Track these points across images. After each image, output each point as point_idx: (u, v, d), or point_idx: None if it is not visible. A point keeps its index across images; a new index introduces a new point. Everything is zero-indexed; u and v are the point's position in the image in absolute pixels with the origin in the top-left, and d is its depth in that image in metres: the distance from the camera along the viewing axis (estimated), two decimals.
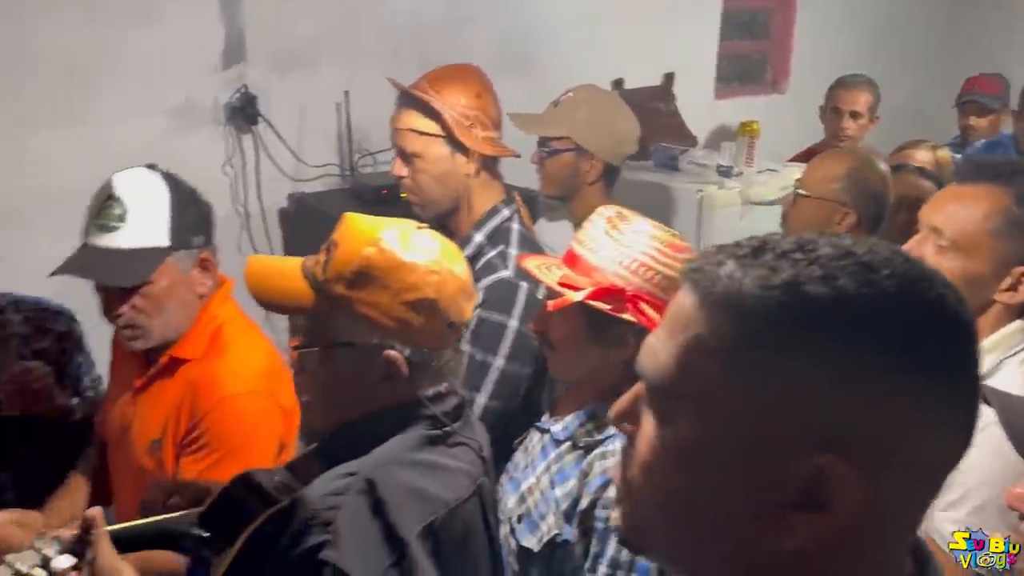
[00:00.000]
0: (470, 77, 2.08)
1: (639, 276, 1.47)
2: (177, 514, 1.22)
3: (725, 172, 3.01)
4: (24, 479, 1.92)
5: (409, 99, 2.02)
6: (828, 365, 0.60)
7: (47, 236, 2.23)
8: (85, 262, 1.61)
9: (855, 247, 0.63)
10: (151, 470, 1.64)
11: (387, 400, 1.18)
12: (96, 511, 1.06)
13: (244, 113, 2.69)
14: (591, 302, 1.44)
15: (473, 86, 2.06)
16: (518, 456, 1.62)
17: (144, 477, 1.65)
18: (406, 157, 2.03)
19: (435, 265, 1.20)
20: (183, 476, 1.59)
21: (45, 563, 0.97)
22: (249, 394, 1.62)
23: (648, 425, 0.67)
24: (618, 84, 3.52)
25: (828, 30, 4.41)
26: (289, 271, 1.21)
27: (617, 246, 1.50)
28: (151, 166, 1.69)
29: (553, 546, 1.46)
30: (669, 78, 3.73)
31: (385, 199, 2.63)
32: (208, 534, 1.20)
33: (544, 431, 1.58)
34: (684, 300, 0.66)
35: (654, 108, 3.54)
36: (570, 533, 1.44)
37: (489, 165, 2.10)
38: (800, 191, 2.23)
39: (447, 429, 1.19)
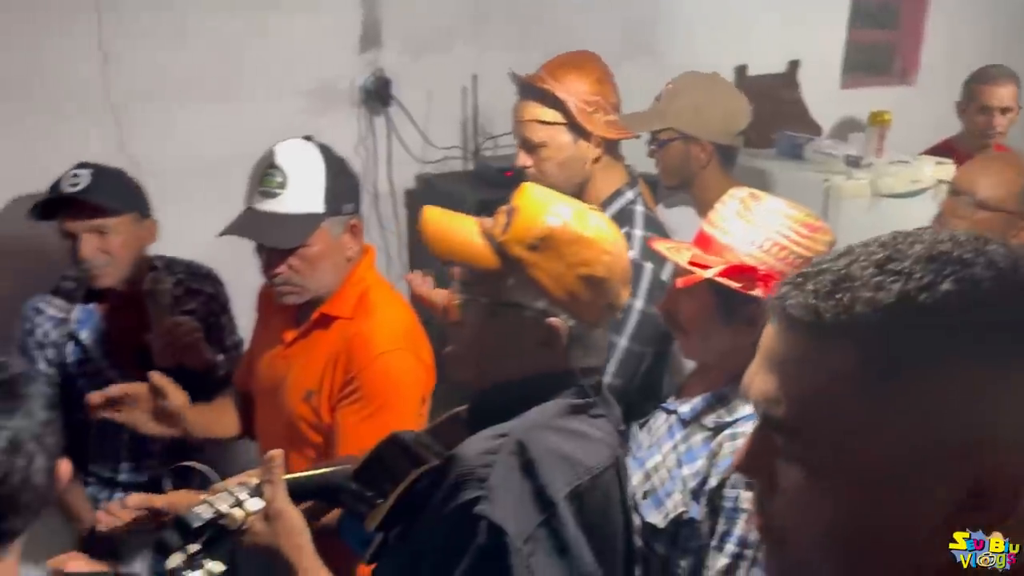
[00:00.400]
0: (589, 63, 2.12)
1: (772, 255, 1.48)
2: (334, 468, 1.30)
3: (853, 162, 2.94)
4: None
5: (531, 90, 2.08)
6: (964, 367, 0.58)
7: (195, 205, 2.39)
8: (249, 224, 1.75)
9: (942, 243, 0.61)
10: (306, 417, 1.77)
11: (539, 366, 1.22)
12: (277, 453, 1.14)
13: (378, 95, 2.78)
14: (721, 279, 1.45)
15: (593, 72, 2.10)
16: (641, 436, 1.65)
17: (298, 424, 1.78)
18: (530, 147, 2.08)
19: (610, 246, 1.25)
20: (340, 426, 1.71)
21: (239, 504, 1.06)
22: (398, 351, 1.74)
23: (791, 471, 0.65)
24: (742, 71, 3.49)
25: (962, 20, 4.24)
26: (467, 226, 1.27)
27: (749, 226, 1.51)
28: (307, 138, 1.80)
29: (679, 523, 1.49)
30: (794, 65, 3.66)
31: (509, 181, 2.67)
32: (362, 489, 1.28)
33: (670, 412, 1.61)
34: (790, 336, 0.63)
35: (777, 96, 3.49)
36: (697, 511, 1.47)
37: (611, 148, 2.13)
38: (977, 199, 2.09)
39: (591, 400, 1.23)
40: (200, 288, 2.27)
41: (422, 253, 2.54)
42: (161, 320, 2.05)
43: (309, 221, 1.73)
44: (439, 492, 1.15)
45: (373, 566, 1.30)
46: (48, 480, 1.06)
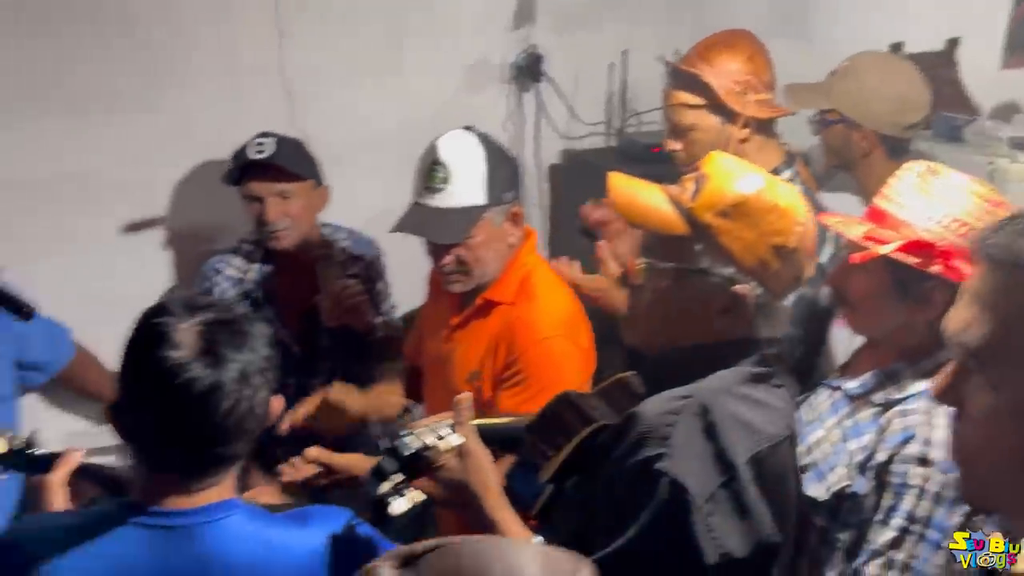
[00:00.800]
0: (740, 42, 2.10)
1: (951, 232, 1.45)
2: (514, 420, 1.36)
3: (1019, 144, 2.80)
4: (338, 378, 2.18)
5: (679, 74, 2.08)
6: None
7: (358, 176, 2.51)
8: (416, 220, 1.83)
9: None
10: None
11: (721, 333, 1.24)
12: (465, 396, 1.21)
13: (529, 71, 2.84)
14: (899, 255, 1.43)
15: (744, 50, 2.08)
16: (802, 411, 1.65)
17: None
18: (679, 130, 2.09)
19: (802, 217, 1.26)
20: (500, 407, 1.78)
21: (441, 439, 1.13)
22: (558, 338, 1.80)
23: (980, 396, 0.73)
24: (896, 48, 3.36)
25: None
26: (653, 192, 1.30)
27: (928, 200, 1.48)
28: (468, 128, 1.87)
29: (841, 497, 1.49)
30: (952, 44, 3.50)
31: (656, 158, 2.69)
32: (537, 442, 1.33)
33: (834, 388, 1.60)
34: (990, 274, 0.73)
35: (934, 75, 3.34)
36: (861, 485, 1.46)
37: (765, 128, 2.11)
38: None
39: (772, 370, 1.25)
40: (362, 255, 2.39)
41: (564, 226, 2.58)
42: (331, 284, 2.17)
43: (472, 214, 1.79)
44: (618, 448, 1.19)
45: (540, 516, 1.36)
46: (265, 412, 1.17)
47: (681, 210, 1.24)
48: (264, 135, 2.20)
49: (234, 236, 2.37)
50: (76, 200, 2.31)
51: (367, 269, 2.38)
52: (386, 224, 2.48)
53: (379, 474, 1.13)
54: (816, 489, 1.51)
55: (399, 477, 1.13)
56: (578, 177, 2.91)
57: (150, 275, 2.48)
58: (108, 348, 2.34)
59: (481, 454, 1.16)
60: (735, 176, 1.25)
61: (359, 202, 2.46)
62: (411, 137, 2.52)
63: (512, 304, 1.84)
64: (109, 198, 2.37)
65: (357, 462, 1.75)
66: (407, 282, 2.43)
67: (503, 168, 1.85)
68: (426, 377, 2.05)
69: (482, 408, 1.84)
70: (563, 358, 1.80)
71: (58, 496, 1.37)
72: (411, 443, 1.12)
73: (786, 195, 1.26)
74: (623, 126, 3.04)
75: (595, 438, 1.29)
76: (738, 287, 1.22)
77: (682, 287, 1.24)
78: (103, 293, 2.37)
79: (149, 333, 1.11)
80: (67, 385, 2.34)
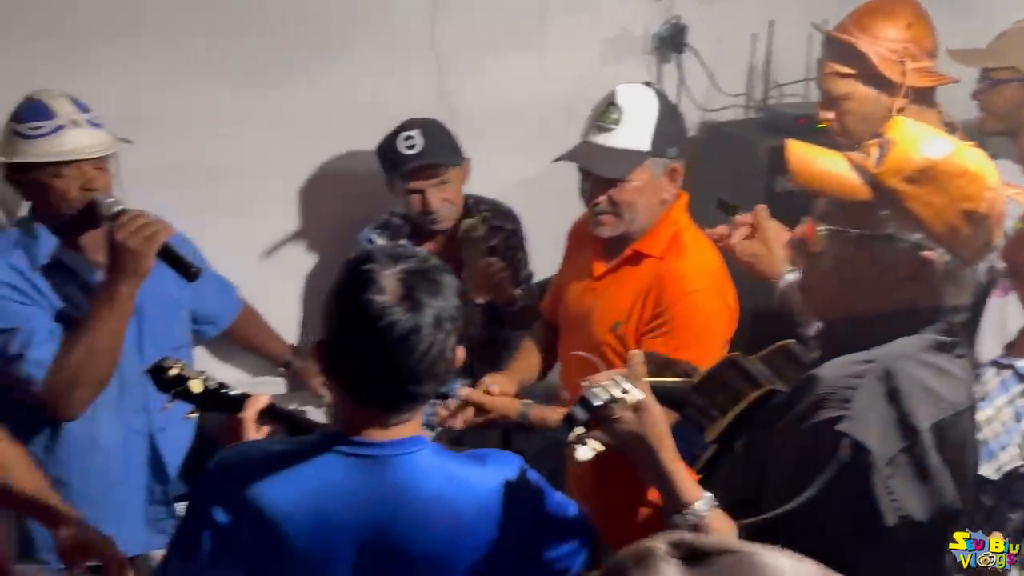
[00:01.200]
0: (900, 8, 2.04)
1: None
2: (680, 380, 1.39)
3: None
4: (482, 350, 2.26)
5: (834, 43, 2.04)
6: None
7: (499, 148, 2.57)
8: (582, 153, 1.91)
9: None
10: (611, 346, 1.90)
11: (905, 300, 1.23)
12: (637, 353, 1.24)
13: (671, 42, 2.83)
14: None
15: (903, 17, 2.02)
16: None
17: (603, 352, 1.89)
18: (832, 100, 2.05)
19: (992, 182, 1.24)
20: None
21: (625, 392, 1.17)
22: (707, 291, 1.84)
23: None
24: None
25: None
26: (834, 158, 1.29)
27: None
28: (648, 84, 1.95)
29: (1013, 476, 1.47)
30: None
31: (801, 129, 2.64)
32: (703, 402, 1.37)
33: (1004, 366, 1.57)
34: None
35: None
36: None
37: (924, 97, 2.05)
38: None
39: (957, 339, 1.24)
40: (502, 225, 2.46)
41: (702, 197, 2.55)
42: (475, 261, 2.25)
43: (634, 157, 1.85)
44: (793, 410, 1.21)
45: (702, 473, 1.39)
46: (453, 357, 1.24)
47: (864, 176, 1.23)
48: (409, 125, 2.30)
49: (386, 208, 2.47)
50: (243, 168, 2.44)
51: (506, 239, 2.46)
52: (525, 195, 2.57)
53: (570, 421, 1.17)
54: (986, 468, 1.49)
55: (581, 429, 1.18)
56: (716, 149, 2.89)
57: (310, 241, 2.61)
58: (271, 305, 2.53)
59: (657, 409, 1.19)
60: (922, 140, 1.23)
61: (500, 174, 2.53)
62: (550, 110, 2.62)
63: (661, 258, 1.89)
64: (271, 167, 2.49)
65: (509, 404, 1.88)
66: (544, 252, 2.50)
67: (672, 124, 1.92)
68: (563, 331, 2.09)
69: (624, 361, 1.88)
70: (710, 312, 1.84)
71: (249, 434, 1.47)
72: (600, 394, 1.16)
73: (975, 159, 1.24)
74: (765, 98, 2.99)
75: (765, 401, 1.31)
76: (926, 253, 1.21)
77: (866, 254, 1.24)
78: (267, 254, 2.53)
79: (356, 279, 1.19)
80: (231, 338, 2.48)
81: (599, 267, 1.98)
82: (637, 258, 1.92)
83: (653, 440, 1.18)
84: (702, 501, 1.18)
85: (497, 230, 2.46)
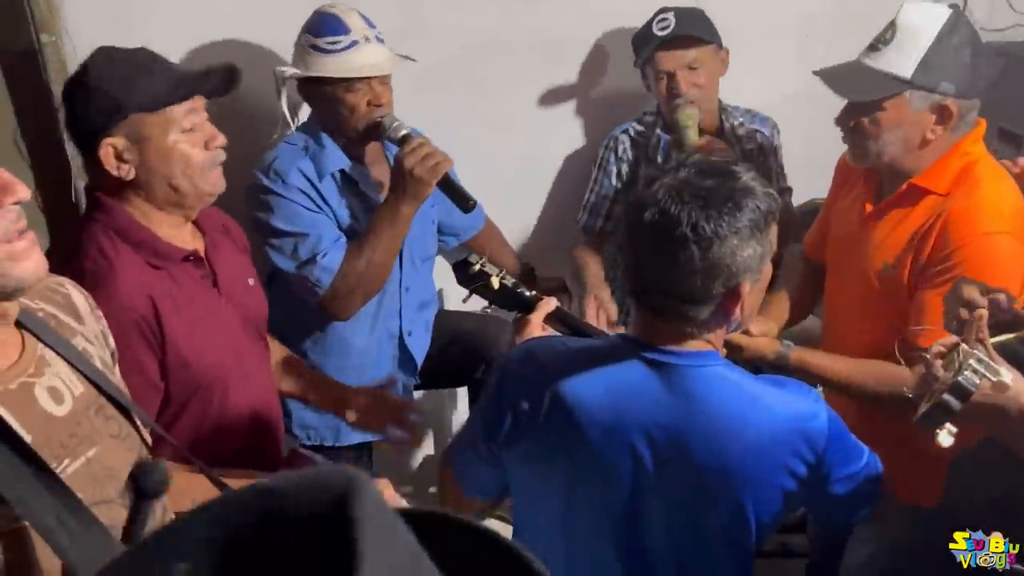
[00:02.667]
0: None
1: None
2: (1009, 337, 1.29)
3: None
4: None
5: None
6: None
7: (759, 61, 2.49)
8: (838, 72, 1.77)
9: None
10: (881, 289, 1.78)
11: None
12: (983, 313, 1.19)
13: None
14: None
15: None
16: None
17: (870, 295, 1.80)
18: None
19: None
20: (921, 303, 1.69)
21: (998, 374, 1.11)
22: (1003, 235, 1.66)
23: None
24: None
25: None
26: None
27: None
28: (953, 5, 1.76)
29: None
30: None
31: None
32: None
33: None
34: None
35: None
36: None
37: None
38: None
39: None
40: (758, 129, 2.44)
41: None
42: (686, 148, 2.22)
43: (889, 83, 1.69)
44: None
45: None
46: (757, 268, 1.25)
47: None
48: (664, 10, 2.26)
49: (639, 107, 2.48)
50: (500, 83, 2.51)
51: (759, 146, 2.43)
52: (780, 110, 2.49)
53: (946, 410, 1.11)
54: None
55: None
56: (1002, 71, 2.67)
57: (560, 146, 2.65)
58: (515, 221, 2.63)
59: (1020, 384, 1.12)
60: None
61: (758, 87, 2.47)
62: (808, 25, 2.52)
63: (946, 195, 1.71)
64: (527, 70, 2.52)
65: (767, 344, 1.80)
66: (807, 172, 2.45)
67: (953, 57, 1.68)
68: (830, 271, 2.00)
69: (894, 305, 1.75)
70: (1006, 257, 1.64)
71: (535, 333, 1.56)
72: (973, 378, 1.10)
73: None
74: None
75: None
76: None
77: None
78: (517, 166, 2.59)
79: (661, 196, 1.21)
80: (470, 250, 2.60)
81: (871, 203, 1.85)
82: (916, 194, 1.75)
83: (1014, 410, 1.13)
84: None
85: (753, 133, 2.43)
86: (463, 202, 2.02)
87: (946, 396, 1.10)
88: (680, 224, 1.18)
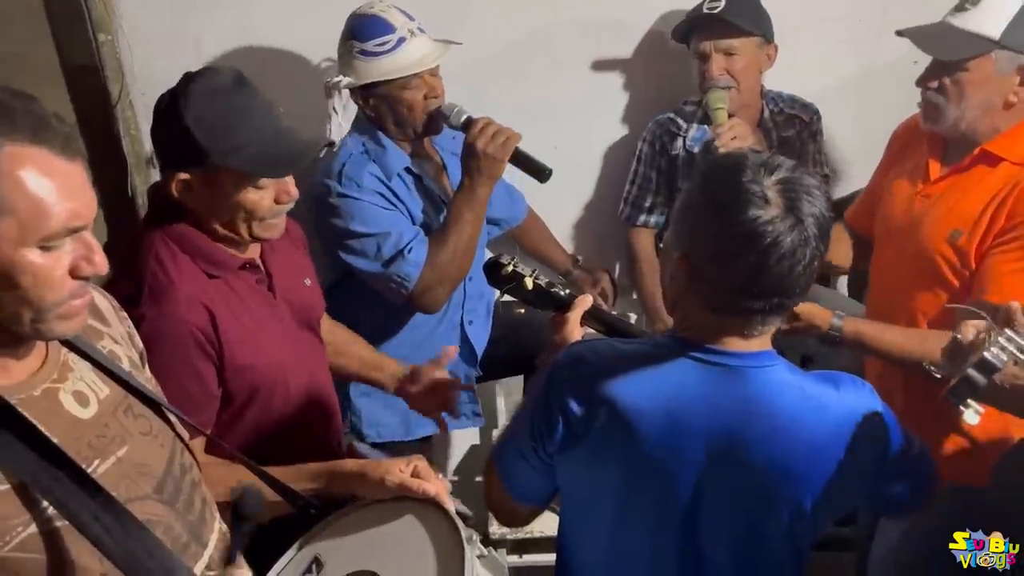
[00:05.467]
0: None
1: None
2: None
3: None
4: None
5: None
6: None
7: (807, 47, 2.45)
8: (926, 31, 1.75)
9: None
10: (946, 257, 1.76)
11: None
12: (1017, 307, 1.17)
13: None
14: None
15: None
16: None
17: (935, 263, 1.77)
18: None
19: None
20: (989, 272, 1.67)
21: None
22: None
23: None
24: None
25: None
26: None
27: None
28: None
29: None
30: None
31: None
32: None
33: None
34: None
35: None
36: None
37: None
38: None
39: None
40: (799, 115, 2.40)
41: None
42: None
43: (976, 43, 1.68)
44: None
45: None
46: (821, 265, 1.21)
47: None
48: None
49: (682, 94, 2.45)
50: (547, 70, 2.50)
51: (799, 131, 2.39)
52: (827, 98, 2.45)
53: (971, 386, 1.10)
54: None
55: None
56: None
57: (603, 139, 2.64)
58: (558, 212, 2.63)
59: None
60: None
61: (804, 74, 2.44)
62: (862, 14, 2.45)
63: (1021, 163, 1.70)
64: (573, 57, 2.51)
65: (820, 313, 1.77)
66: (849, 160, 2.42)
67: None
68: (881, 243, 1.96)
69: (959, 274, 1.73)
70: None
71: (572, 331, 1.51)
72: (1001, 355, 1.09)
73: None
74: None
75: None
76: None
77: None
78: (560, 157, 2.59)
79: (734, 191, 1.17)
80: (516, 242, 2.59)
81: (936, 170, 1.83)
82: (989, 160, 1.74)
83: None
84: None
85: (793, 119, 2.40)
86: (539, 173, 2.02)
87: (971, 371, 1.09)
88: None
